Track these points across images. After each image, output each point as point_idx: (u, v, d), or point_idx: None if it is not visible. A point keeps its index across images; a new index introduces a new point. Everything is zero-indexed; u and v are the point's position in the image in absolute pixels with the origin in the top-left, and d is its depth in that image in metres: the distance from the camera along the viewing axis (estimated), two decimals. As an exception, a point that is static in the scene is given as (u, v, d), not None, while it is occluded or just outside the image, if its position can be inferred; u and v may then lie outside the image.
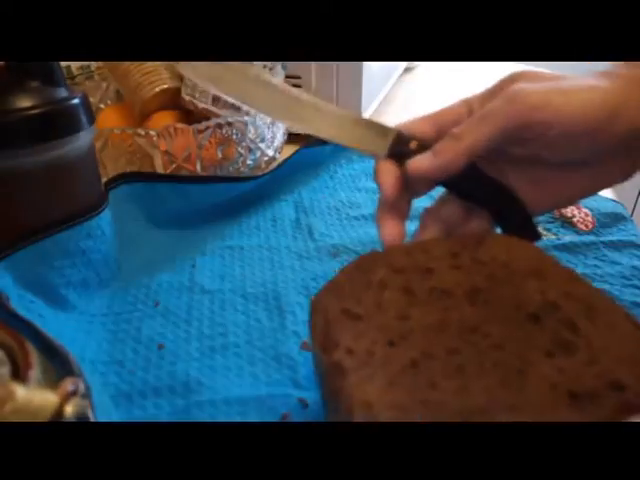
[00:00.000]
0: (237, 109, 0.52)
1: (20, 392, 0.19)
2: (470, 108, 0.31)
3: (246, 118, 0.49)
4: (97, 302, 0.38)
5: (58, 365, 0.26)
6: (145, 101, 0.53)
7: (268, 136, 0.54)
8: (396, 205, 0.32)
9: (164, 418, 0.29)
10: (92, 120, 0.36)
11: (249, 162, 0.53)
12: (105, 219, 0.38)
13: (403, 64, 0.93)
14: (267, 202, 0.52)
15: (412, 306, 0.24)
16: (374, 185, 0.32)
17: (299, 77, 0.65)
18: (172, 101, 0.54)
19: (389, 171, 0.31)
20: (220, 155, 0.50)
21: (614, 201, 0.50)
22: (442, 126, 0.31)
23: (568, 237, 0.45)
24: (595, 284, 0.39)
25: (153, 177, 0.45)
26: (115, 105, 0.59)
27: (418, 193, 0.34)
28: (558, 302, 0.23)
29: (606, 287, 0.39)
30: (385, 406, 0.19)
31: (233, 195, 0.49)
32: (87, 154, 0.37)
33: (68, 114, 0.34)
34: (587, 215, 0.47)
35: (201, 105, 0.52)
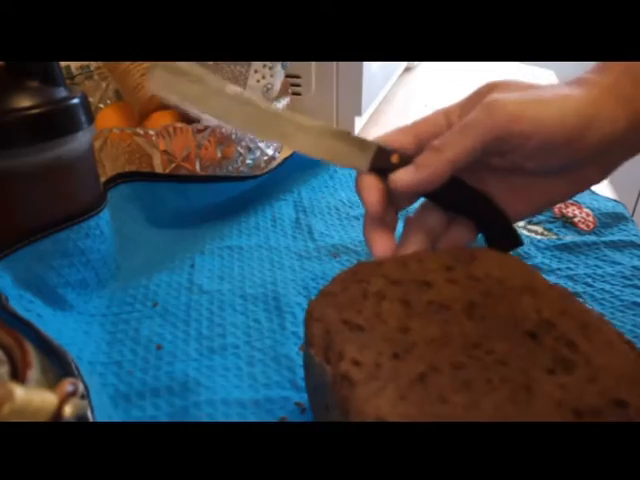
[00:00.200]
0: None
1: (19, 392, 0.19)
2: (448, 118, 0.31)
3: (246, 118, 0.49)
4: (96, 302, 0.38)
5: (57, 365, 0.26)
6: (144, 101, 0.52)
7: (268, 136, 0.54)
8: (383, 219, 0.32)
9: (163, 419, 0.29)
10: (91, 120, 0.36)
11: (248, 161, 0.53)
12: (104, 219, 0.38)
13: (403, 64, 0.93)
14: (267, 202, 0.52)
15: (411, 318, 0.24)
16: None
17: (299, 77, 0.65)
18: (172, 101, 0.54)
19: (372, 186, 0.31)
20: (219, 154, 0.50)
21: (615, 201, 0.50)
22: (422, 138, 0.31)
23: (569, 237, 0.45)
24: (596, 284, 0.39)
25: (152, 177, 0.45)
26: (114, 105, 0.59)
27: (402, 206, 0.34)
28: (553, 320, 0.24)
29: (606, 287, 0.39)
30: (397, 420, 0.19)
31: (232, 195, 0.49)
32: (86, 154, 0.36)
33: (67, 114, 0.34)
34: (588, 215, 0.47)
35: (201, 105, 0.52)
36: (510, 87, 0.29)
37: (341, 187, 0.56)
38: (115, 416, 0.29)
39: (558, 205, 0.49)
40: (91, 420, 0.23)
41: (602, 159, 0.30)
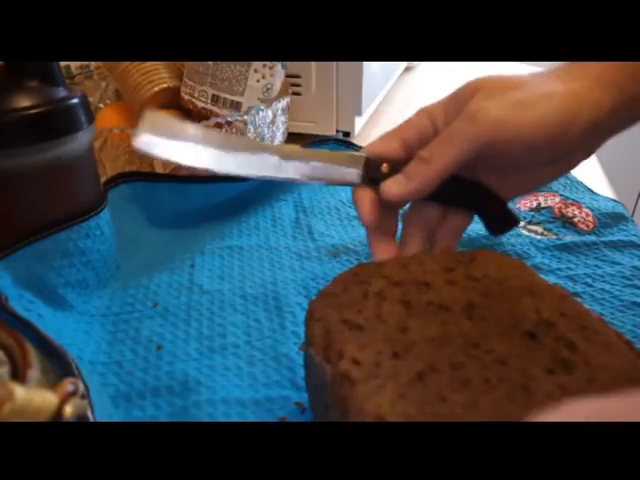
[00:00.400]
0: (237, 108, 0.52)
1: (19, 392, 0.19)
2: (433, 120, 0.31)
3: (246, 117, 0.49)
4: (96, 302, 0.38)
5: (57, 365, 0.26)
6: (144, 101, 0.53)
7: (268, 136, 0.54)
8: (382, 226, 0.32)
9: (163, 418, 0.29)
10: (91, 120, 0.36)
11: (249, 162, 0.53)
12: (104, 219, 0.38)
13: (403, 64, 0.93)
14: (267, 202, 0.52)
15: (411, 318, 0.24)
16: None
17: (299, 77, 0.65)
18: (171, 100, 0.54)
19: (365, 197, 0.32)
20: (220, 155, 0.50)
21: (615, 201, 0.50)
22: (408, 143, 0.31)
23: (569, 237, 0.45)
24: (595, 284, 0.39)
25: (152, 177, 0.45)
26: (114, 104, 0.59)
27: (399, 207, 0.34)
28: (553, 320, 0.24)
29: (606, 287, 0.39)
30: (396, 418, 0.19)
31: (232, 195, 0.49)
32: (86, 154, 0.36)
33: (67, 114, 0.34)
34: (588, 215, 0.47)
35: (200, 104, 0.52)
36: (494, 87, 0.30)
37: (341, 187, 0.56)
38: (115, 416, 0.29)
39: (558, 205, 0.49)
40: (91, 420, 0.23)
41: (588, 142, 0.30)
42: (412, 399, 0.20)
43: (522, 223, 0.47)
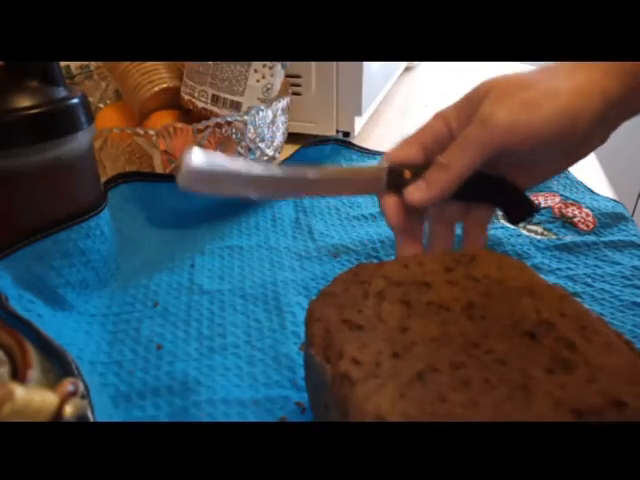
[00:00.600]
0: (237, 108, 0.52)
1: (19, 392, 0.19)
2: (447, 123, 0.33)
3: (246, 117, 0.49)
4: (96, 302, 0.38)
5: (57, 365, 0.26)
6: (144, 101, 0.52)
7: (268, 136, 0.54)
8: (407, 230, 0.34)
9: (163, 418, 0.29)
10: (91, 120, 0.36)
11: (249, 162, 0.53)
12: (104, 219, 0.38)
13: (403, 64, 0.93)
14: (267, 202, 0.52)
15: (411, 318, 0.24)
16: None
17: (299, 77, 0.65)
18: (171, 100, 0.54)
19: (390, 203, 0.34)
20: (220, 155, 0.50)
21: (615, 201, 0.50)
22: (427, 147, 0.33)
23: (569, 237, 0.45)
24: (595, 284, 0.39)
25: (152, 177, 0.45)
26: (114, 105, 0.59)
27: (422, 212, 0.35)
28: (553, 320, 0.24)
29: (606, 287, 0.39)
30: (396, 418, 0.19)
31: (232, 195, 0.49)
32: (86, 154, 0.37)
33: (67, 114, 0.34)
34: (588, 215, 0.47)
35: (200, 104, 0.52)
36: (504, 88, 0.30)
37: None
38: (115, 416, 0.29)
39: (558, 205, 0.49)
40: (91, 420, 0.23)
41: (600, 130, 0.31)
42: (412, 399, 0.20)
43: (522, 223, 0.47)
